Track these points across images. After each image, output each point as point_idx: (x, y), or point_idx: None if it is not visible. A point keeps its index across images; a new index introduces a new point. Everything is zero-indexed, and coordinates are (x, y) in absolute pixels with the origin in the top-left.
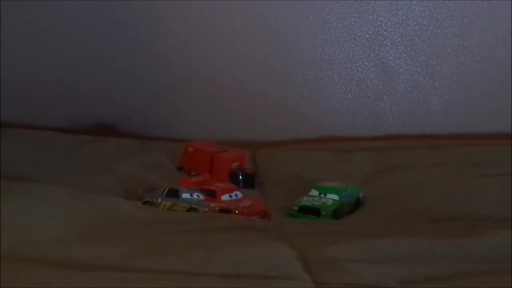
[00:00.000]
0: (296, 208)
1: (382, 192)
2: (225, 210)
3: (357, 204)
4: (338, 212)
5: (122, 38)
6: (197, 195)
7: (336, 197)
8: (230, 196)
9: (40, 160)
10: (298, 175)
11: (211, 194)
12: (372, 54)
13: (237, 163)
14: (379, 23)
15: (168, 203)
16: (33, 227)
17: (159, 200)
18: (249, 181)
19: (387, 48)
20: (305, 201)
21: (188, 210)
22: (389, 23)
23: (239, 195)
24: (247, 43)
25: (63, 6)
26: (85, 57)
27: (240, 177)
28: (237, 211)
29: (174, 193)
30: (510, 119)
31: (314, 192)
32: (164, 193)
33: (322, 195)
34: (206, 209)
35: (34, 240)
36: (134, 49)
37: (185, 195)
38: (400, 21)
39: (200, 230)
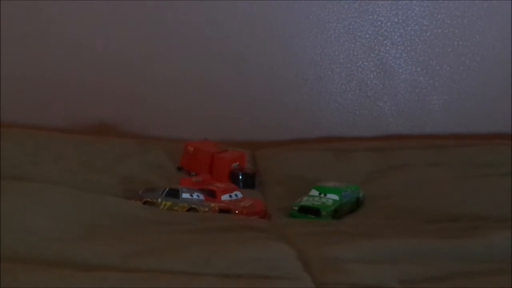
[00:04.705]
0: (296, 208)
1: (382, 192)
2: (225, 210)
3: (357, 204)
4: (338, 212)
5: (122, 38)
6: (197, 195)
7: (336, 197)
8: (230, 196)
9: (40, 160)
10: (298, 175)
11: (211, 194)
12: (372, 54)
13: (237, 163)
14: (379, 23)
15: (168, 203)
16: (33, 227)
17: (159, 200)
18: (249, 181)
19: (387, 48)
20: (305, 201)
21: (188, 210)
22: (389, 23)
23: (239, 195)
24: (247, 43)
25: (63, 6)
26: (85, 57)
27: (240, 177)
28: (237, 211)
29: (174, 193)
30: (510, 119)
31: (314, 192)
32: (164, 193)
33: (322, 195)
34: (206, 209)
35: (34, 240)
36: (134, 48)
37: (185, 195)
38: (400, 21)
39: (200, 230)
